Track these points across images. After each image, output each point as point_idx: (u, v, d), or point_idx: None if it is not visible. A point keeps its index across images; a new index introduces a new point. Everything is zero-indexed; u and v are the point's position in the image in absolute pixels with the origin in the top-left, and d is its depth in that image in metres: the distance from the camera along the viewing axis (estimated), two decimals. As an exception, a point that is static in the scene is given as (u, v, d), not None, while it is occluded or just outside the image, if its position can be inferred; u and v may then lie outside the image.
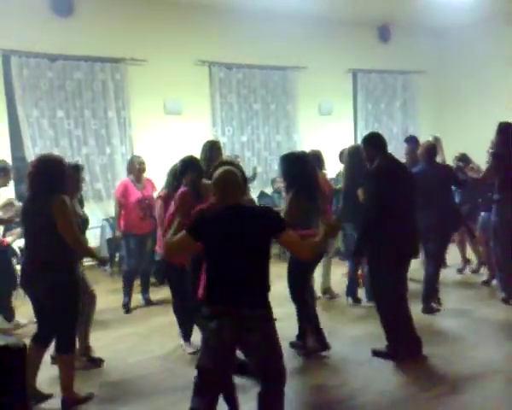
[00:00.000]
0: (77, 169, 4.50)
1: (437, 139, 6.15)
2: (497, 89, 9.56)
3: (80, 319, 4.19)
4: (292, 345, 4.55)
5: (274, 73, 9.24)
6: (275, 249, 6.15)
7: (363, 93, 10.20)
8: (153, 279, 6.25)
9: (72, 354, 3.73)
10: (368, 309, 5.40)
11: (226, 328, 2.77)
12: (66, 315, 3.61)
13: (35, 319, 3.90)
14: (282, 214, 4.35)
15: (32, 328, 4.13)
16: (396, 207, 4.20)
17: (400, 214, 4.22)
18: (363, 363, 4.31)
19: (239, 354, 3.01)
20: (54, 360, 4.12)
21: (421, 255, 5.76)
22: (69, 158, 7.16)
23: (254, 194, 7.79)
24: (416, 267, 6.06)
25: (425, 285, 5.51)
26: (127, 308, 5.91)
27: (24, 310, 5.16)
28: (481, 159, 6.25)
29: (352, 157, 5.59)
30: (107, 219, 7.62)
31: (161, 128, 8.22)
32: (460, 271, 7.02)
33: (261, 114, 9.20)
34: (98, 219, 7.53)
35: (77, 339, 3.93)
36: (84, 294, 4.23)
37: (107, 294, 6.17)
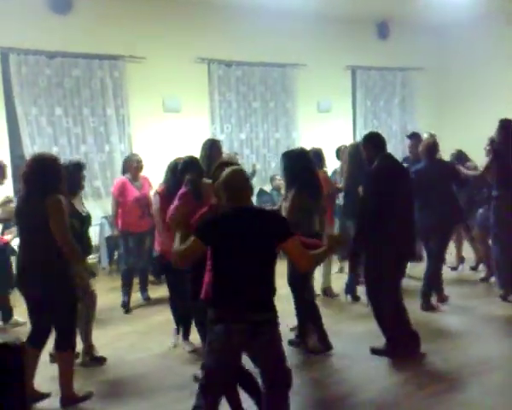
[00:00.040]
0: (79, 167, 4.43)
1: (432, 136, 6.16)
2: (496, 86, 9.54)
3: (83, 319, 4.20)
4: (290, 343, 4.56)
5: (273, 71, 9.21)
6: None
7: (362, 90, 10.17)
8: (151, 277, 6.25)
9: (72, 351, 3.72)
10: (366, 307, 5.40)
11: (234, 332, 2.73)
12: (64, 314, 3.60)
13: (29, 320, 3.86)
14: (282, 212, 4.38)
15: (31, 327, 4.12)
16: (396, 208, 4.20)
17: (400, 214, 4.22)
18: (363, 360, 4.32)
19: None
20: (53, 358, 4.11)
21: (424, 255, 5.79)
22: (68, 156, 7.15)
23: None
24: (416, 264, 6.08)
25: (425, 283, 5.52)
26: (127, 308, 5.89)
27: (22, 309, 5.13)
28: (479, 156, 6.26)
29: (352, 156, 5.60)
30: (105, 217, 7.61)
31: (160, 126, 8.19)
32: (454, 268, 6.95)
33: (260, 112, 9.16)
34: (97, 216, 7.50)
35: (79, 338, 3.93)
36: (85, 294, 4.23)
37: (105, 292, 6.16)
